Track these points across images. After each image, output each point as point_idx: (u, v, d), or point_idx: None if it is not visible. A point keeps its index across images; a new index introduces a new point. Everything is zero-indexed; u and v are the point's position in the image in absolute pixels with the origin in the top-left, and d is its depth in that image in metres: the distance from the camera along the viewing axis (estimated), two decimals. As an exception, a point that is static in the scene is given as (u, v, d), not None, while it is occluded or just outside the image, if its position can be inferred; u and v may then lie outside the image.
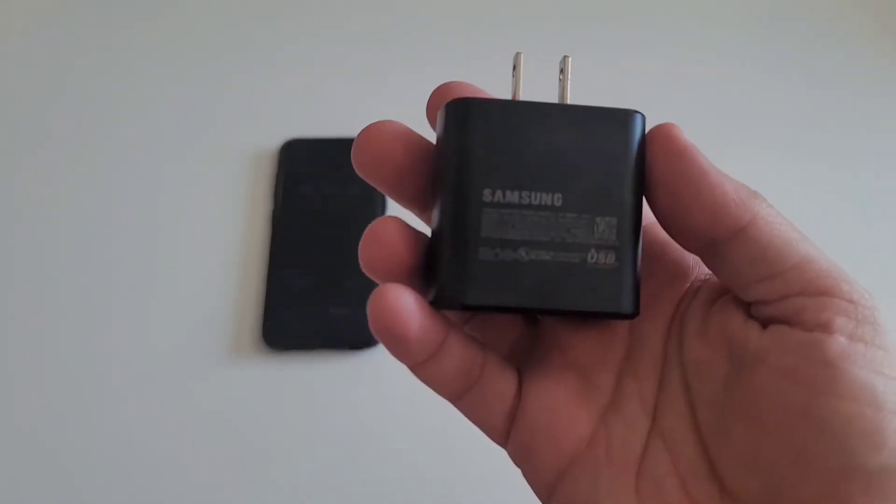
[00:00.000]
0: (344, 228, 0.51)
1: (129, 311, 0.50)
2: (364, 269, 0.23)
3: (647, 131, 0.24)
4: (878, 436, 0.20)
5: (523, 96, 0.25)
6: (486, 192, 0.22)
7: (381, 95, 0.58)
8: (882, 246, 0.52)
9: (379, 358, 0.48)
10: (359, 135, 0.23)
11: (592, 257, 0.22)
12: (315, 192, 0.53)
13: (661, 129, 0.23)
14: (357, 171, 0.24)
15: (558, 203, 0.22)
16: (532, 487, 0.25)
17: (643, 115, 0.24)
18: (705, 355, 0.23)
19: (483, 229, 0.22)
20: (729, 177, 0.23)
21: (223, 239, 0.52)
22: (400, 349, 0.23)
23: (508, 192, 0.22)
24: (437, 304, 0.23)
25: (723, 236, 0.22)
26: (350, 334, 0.48)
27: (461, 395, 0.24)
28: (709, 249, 0.23)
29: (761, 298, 0.22)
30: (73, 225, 0.53)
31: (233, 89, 0.59)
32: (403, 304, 0.22)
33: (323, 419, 0.46)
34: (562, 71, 0.25)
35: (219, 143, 0.56)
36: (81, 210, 0.53)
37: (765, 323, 0.22)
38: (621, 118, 0.23)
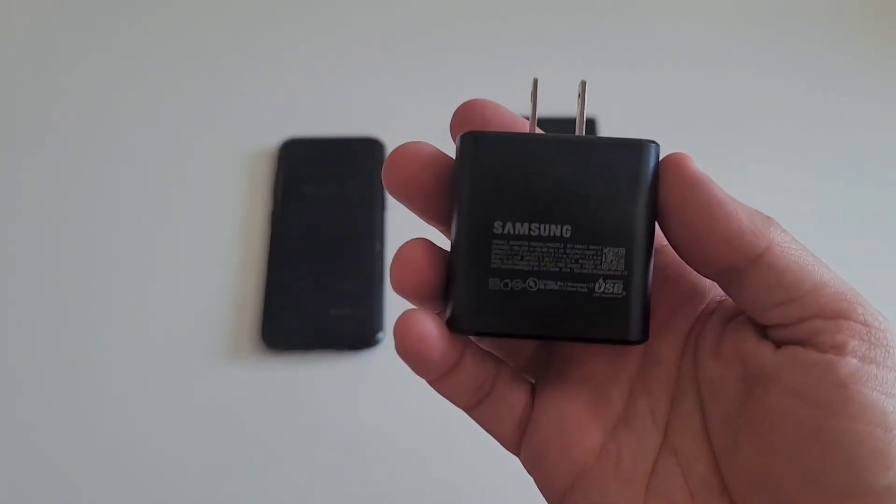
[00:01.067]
0: (343, 228, 0.51)
1: (128, 310, 0.50)
2: (395, 290, 0.24)
3: (659, 159, 0.24)
4: (887, 457, 0.21)
5: (540, 113, 0.26)
6: (497, 223, 0.23)
7: (382, 95, 0.58)
8: (883, 246, 0.52)
9: (378, 358, 0.48)
10: (388, 157, 0.24)
11: (600, 287, 0.23)
12: (314, 192, 0.53)
13: (671, 160, 0.23)
14: (388, 192, 0.25)
15: (567, 234, 0.23)
16: (544, 496, 0.26)
17: (657, 144, 0.24)
18: (719, 374, 0.24)
19: (493, 260, 0.23)
20: (742, 205, 0.23)
21: (223, 238, 0.52)
22: (422, 369, 0.24)
23: (518, 225, 0.23)
24: (451, 327, 0.24)
25: (739, 265, 0.23)
26: (349, 335, 0.48)
27: (475, 405, 0.25)
28: (725, 276, 0.23)
29: (778, 322, 0.23)
30: (73, 224, 0.53)
31: (232, 89, 0.59)
32: (427, 331, 0.23)
33: (322, 419, 0.46)
34: (579, 95, 0.25)
35: (218, 142, 0.56)
36: (81, 209, 0.53)
37: (779, 343, 0.23)
38: (632, 148, 0.24)
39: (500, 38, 0.61)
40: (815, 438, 0.21)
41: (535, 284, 0.23)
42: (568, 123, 0.55)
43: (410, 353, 0.23)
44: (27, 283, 0.51)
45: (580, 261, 0.23)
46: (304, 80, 0.59)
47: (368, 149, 0.55)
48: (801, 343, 0.22)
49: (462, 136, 0.24)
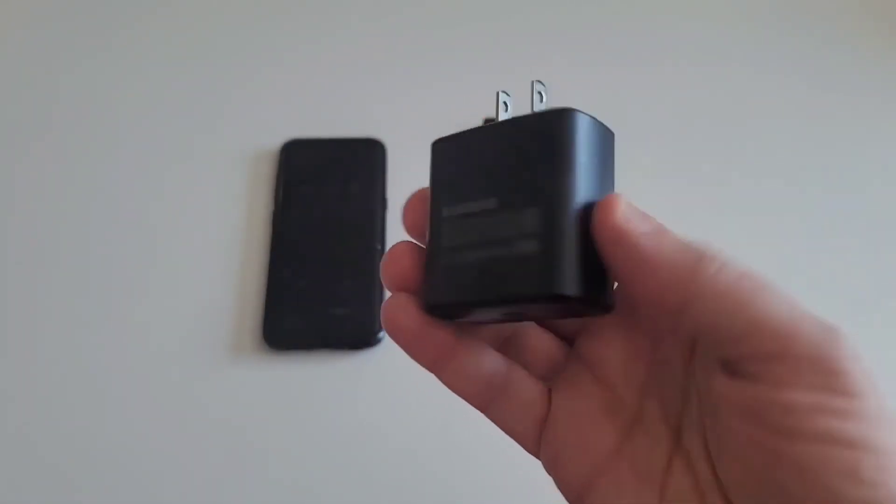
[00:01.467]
0: (344, 229, 0.52)
1: (129, 311, 0.50)
2: (385, 286, 0.27)
3: (577, 123, 0.25)
4: (856, 474, 0.21)
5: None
6: (445, 209, 0.26)
7: (382, 97, 0.58)
8: (882, 245, 0.53)
9: (379, 357, 0.48)
10: (384, 258, 0.27)
11: (518, 247, 0.24)
12: (315, 193, 0.53)
13: (599, 209, 0.24)
14: (387, 288, 0.27)
15: (493, 206, 0.25)
16: (563, 495, 0.26)
17: (573, 111, 0.25)
18: (704, 385, 0.24)
19: (442, 242, 0.26)
20: (666, 249, 0.23)
21: (224, 239, 0.52)
22: (404, 343, 0.26)
23: (456, 206, 0.26)
24: (424, 309, 0.26)
25: (672, 311, 0.23)
26: (350, 334, 0.48)
27: (488, 403, 0.26)
28: (668, 318, 0.24)
29: (720, 358, 0.23)
30: (74, 225, 0.53)
31: (233, 90, 0.59)
32: (398, 302, 0.26)
33: (323, 419, 0.46)
34: (538, 93, 0.27)
35: (219, 143, 0.56)
36: (82, 210, 0.53)
37: (733, 373, 0.23)
38: (546, 118, 0.25)
39: (501, 39, 0.61)
40: (777, 461, 0.22)
41: (470, 255, 0.25)
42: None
43: (386, 322, 0.26)
44: (29, 283, 0.51)
45: (503, 227, 0.25)
46: (305, 82, 0.59)
47: (369, 149, 0.55)
48: (751, 378, 0.22)
49: (432, 144, 0.27)
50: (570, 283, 0.23)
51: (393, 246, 0.27)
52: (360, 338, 0.48)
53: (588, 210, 0.24)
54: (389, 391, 0.47)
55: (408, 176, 0.54)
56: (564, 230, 0.24)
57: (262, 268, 0.51)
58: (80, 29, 0.62)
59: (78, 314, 0.50)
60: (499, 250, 0.24)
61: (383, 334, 0.48)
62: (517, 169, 0.25)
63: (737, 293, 0.22)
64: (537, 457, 0.27)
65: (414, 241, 0.27)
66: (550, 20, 0.62)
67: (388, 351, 0.48)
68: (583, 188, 0.24)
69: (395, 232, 0.52)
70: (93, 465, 0.45)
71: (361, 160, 0.54)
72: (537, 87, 0.27)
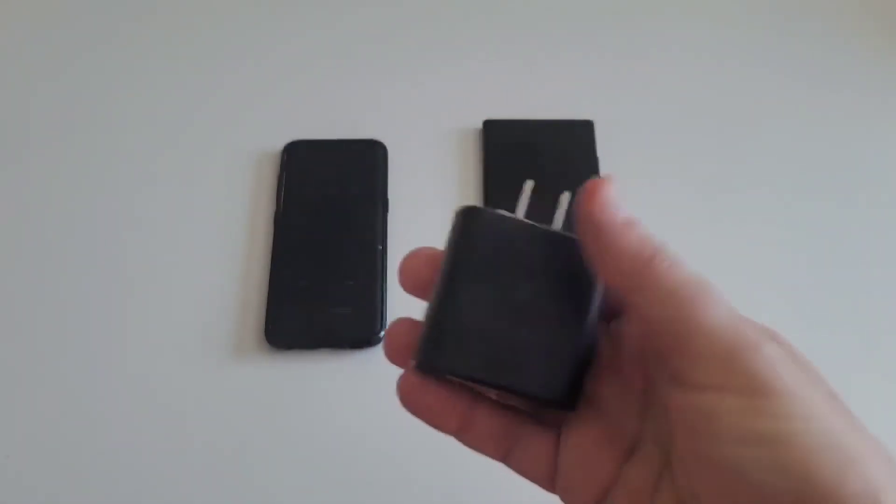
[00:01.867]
0: (345, 229, 0.52)
1: (131, 311, 0.50)
2: (388, 357, 0.30)
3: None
4: (780, 470, 0.22)
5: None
6: (464, 278, 0.27)
7: (384, 98, 0.58)
8: (882, 244, 0.53)
9: (380, 357, 0.48)
10: (402, 261, 0.29)
11: (531, 348, 0.27)
12: (317, 194, 0.53)
13: (583, 194, 0.26)
14: (403, 286, 0.29)
15: (513, 300, 0.27)
16: None
17: None
18: (665, 403, 0.26)
19: (455, 307, 0.27)
20: (629, 241, 0.25)
21: (226, 240, 0.52)
22: (427, 419, 0.29)
23: (477, 281, 0.27)
24: (418, 365, 0.28)
25: (627, 295, 0.26)
26: (351, 333, 0.48)
27: (507, 455, 0.29)
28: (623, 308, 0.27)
29: (665, 363, 0.25)
30: (75, 225, 0.53)
31: (235, 91, 0.59)
32: (414, 381, 0.29)
33: (325, 418, 0.47)
34: (561, 205, 0.29)
35: (221, 144, 0.56)
36: (83, 211, 0.54)
37: (674, 381, 0.25)
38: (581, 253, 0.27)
39: (501, 40, 0.62)
40: (711, 465, 0.23)
41: (482, 333, 0.27)
42: (564, 125, 0.55)
43: (410, 403, 0.29)
44: (32, 283, 0.51)
45: (520, 323, 0.27)
46: (306, 83, 0.59)
47: (370, 150, 0.55)
48: (679, 381, 0.24)
49: (460, 209, 0.28)
50: (571, 398, 0.27)
51: (395, 322, 0.29)
52: (361, 337, 0.48)
53: (593, 333, 0.28)
54: (390, 390, 0.47)
55: (408, 176, 0.55)
56: (577, 355, 0.27)
57: (264, 268, 0.51)
58: (80, 29, 0.62)
59: (81, 313, 0.50)
60: (515, 345, 0.27)
61: (384, 334, 0.48)
62: (550, 283, 0.27)
63: (677, 293, 0.24)
64: (555, 493, 0.28)
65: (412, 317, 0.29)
66: (550, 20, 0.62)
67: (388, 350, 0.48)
68: (595, 317, 0.28)
69: (396, 232, 0.52)
70: (94, 464, 0.45)
71: (363, 161, 0.54)
72: (564, 200, 0.29)
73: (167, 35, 0.62)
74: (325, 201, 0.53)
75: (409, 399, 0.28)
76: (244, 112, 0.58)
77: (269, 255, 0.51)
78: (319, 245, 0.51)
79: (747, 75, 0.59)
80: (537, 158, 0.54)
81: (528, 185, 0.29)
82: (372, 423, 0.46)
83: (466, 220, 0.28)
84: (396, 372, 0.48)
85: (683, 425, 0.24)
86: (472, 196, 0.54)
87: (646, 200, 0.54)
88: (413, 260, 0.29)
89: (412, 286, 0.29)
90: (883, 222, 0.53)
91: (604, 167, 0.54)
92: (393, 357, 0.29)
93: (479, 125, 0.56)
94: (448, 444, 0.46)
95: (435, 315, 0.28)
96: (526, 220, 0.28)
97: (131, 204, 0.54)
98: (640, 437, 0.27)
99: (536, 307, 0.27)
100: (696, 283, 0.24)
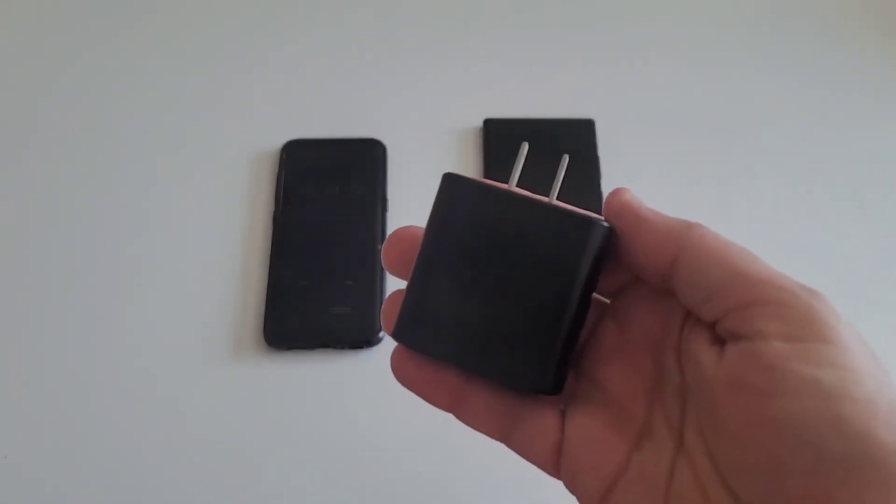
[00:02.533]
0: (344, 228, 0.52)
1: (131, 310, 0.50)
2: (385, 267, 0.29)
3: (605, 240, 0.26)
4: (837, 426, 0.21)
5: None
6: (443, 256, 0.26)
7: (382, 97, 0.58)
8: (882, 244, 0.53)
9: (379, 357, 0.48)
10: (386, 241, 0.28)
11: (512, 333, 0.26)
12: (316, 193, 0.53)
13: (610, 196, 0.27)
14: (387, 271, 0.29)
15: (496, 280, 0.26)
16: None
17: (606, 227, 0.26)
18: (690, 378, 0.25)
19: (434, 285, 0.26)
20: (664, 216, 0.26)
21: (225, 239, 0.52)
22: (417, 391, 0.28)
23: (458, 258, 0.26)
24: (395, 337, 0.27)
25: (663, 269, 0.25)
26: (350, 334, 0.48)
27: (508, 435, 0.28)
28: (665, 282, 0.26)
29: (710, 319, 0.24)
30: (75, 226, 0.53)
31: (234, 90, 0.59)
32: (405, 353, 0.28)
33: (324, 418, 0.47)
34: (561, 168, 0.28)
35: (220, 144, 0.56)
36: (82, 211, 0.54)
37: (719, 339, 0.24)
38: (582, 226, 0.26)
39: (500, 40, 0.61)
40: (762, 425, 0.22)
41: (459, 315, 0.26)
42: (563, 124, 0.55)
43: (400, 374, 0.28)
44: (31, 283, 0.51)
45: (502, 307, 0.26)
46: (305, 82, 0.59)
47: (369, 150, 0.55)
48: (730, 336, 0.24)
49: (445, 175, 0.27)
50: (554, 383, 0.26)
51: (396, 230, 0.28)
52: (361, 337, 0.48)
53: (578, 314, 0.26)
54: (389, 390, 0.47)
55: (408, 176, 0.55)
56: (559, 337, 0.26)
57: (263, 267, 0.51)
58: (80, 29, 0.62)
59: (79, 313, 0.50)
60: (491, 327, 0.26)
61: (383, 334, 0.48)
62: (531, 259, 0.26)
63: (720, 250, 0.24)
64: (559, 479, 0.28)
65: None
66: (550, 20, 0.62)
67: (388, 350, 0.48)
68: (580, 296, 0.26)
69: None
70: (93, 463, 0.45)
71: (362, 160, 0.54)
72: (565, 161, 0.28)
73: (167, 35, 0.62)
74: (325, 201, 0.53)
75: (400, 371, 0.28)
76: (243, 111, 0.58)
77: (268, 255, 0.51)
78: (319, 245, 0.51)
79: (747, 75, 0.59)
80: (537, 157, 0.54)
81: (524, 148, 0.28)
82: (371, 423, 0.46)
83: (446, 189, 0.27)
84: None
85: (732, 386, 0.23)
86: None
87: (646, 199, 0.54)
88: (396, 239, 0.28)
89: (394, 266, 0.28)
90: (883, 222, 0.53)
91: (604, 166, 0.54)
92: (392, 268, 0.28)
93: (480, 124, 0.56)
94: (448, 445, 0.46)
95: (411, 291, 0.27)
96: (511, 190, 0.27)
97: (130, 204, 0.54)
98: (650, 423, 0.27)
99: (515, 286, 0.26)
100: (736, 245, 0.24)
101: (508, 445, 0.28)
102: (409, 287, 0.27)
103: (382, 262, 0.29)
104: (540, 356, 0.26)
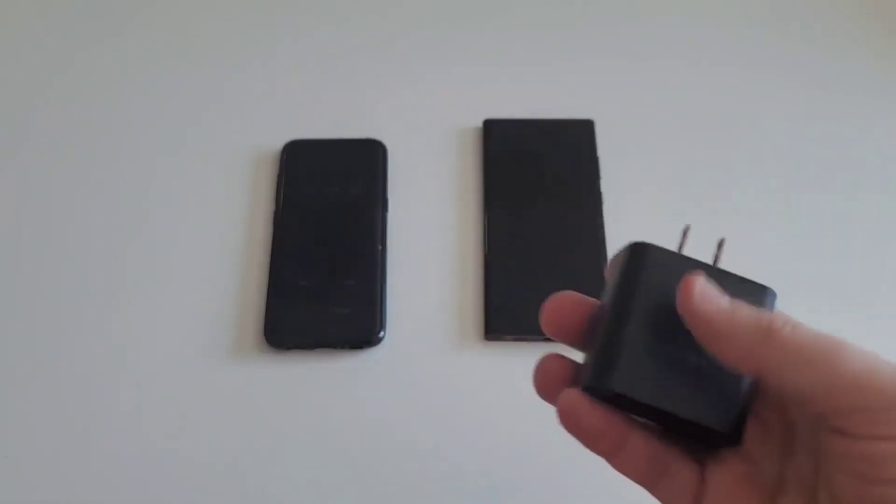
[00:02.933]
0: (345, 229, 0.52)
1: (132, 310, 0.50)
2: (545, 331, 0.30)
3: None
4: None
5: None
6: (641, 307, 0.28)
7: (383, 97, 0.58)
8: (881, 244, 0.53)
9: (379, 357, 0.48)
10: (546, 304, 0.30)
11: (707, 382, 0.28)
12: (316, 193, 0.53)
13: (679, 293, 0.27)
14: (546, 332, 0.30)
15: (694, 363, 0.28)
16: None
17: (774, 293, 0.29)
18: (818, 445, 0.26)
19: (632, 332, 0.28)
20: (739, 321, 0.26)
21: (225, 239, 0.52)
22: (585, 439, 0.28)
23: (655, 317, 0.28)
24: (587, 387, 0.28)
25: (753, 377, 0.27)
26: (351, 334, 0.48)
27: (654, 484, 0.29)
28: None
29: (811, 414, 0.26)
30: (75, 226, 0.53)
31: (234, 91, 0.59)
32: (576, 400, 0.28)
33: (324, 418, 0.47)
34: (719, 247, 0.31)
35: (220, 144, 0.56)
36: (83, 211, 0.54)
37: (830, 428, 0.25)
38: (758, 293, 0.29)
39: (500, 40, 0.61)
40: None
41: (659, 361, 0.28)
42: (565, 124, 0.56)
43: (570, 422, 0.28)
44: (32, 283, 0.51)
45: (701, 355, 0.28)
46: (305, 83, 0.59)
47: (370, 150, 0.55)
48: (840, 432, 0.24)
49: (632, 244, 0.30)
50: (737, 435, 0.28)
51: (545, 357, 0.30)
52: (361, 337, 0.48)
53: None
54: (390, 390, 0.47)
55: (408, 176, 0.55)
56: (743, 389, 0.28)
57: (264, 268, 0.51)
58: (79, 29, 0.62)
59: (82, 313, 0.50)
60: (683, 371, 0.28)
61: (384, 334, 0.48)
62: None
63: (809, 351, 0.25)
64: None
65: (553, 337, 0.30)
66: (550, 20, 0.62)
67: (388, 350, 0.48)
68: None
69: (395, 232, 0.52)
70: (93, 463, 0.45)
71: (362, 161, 0.54)
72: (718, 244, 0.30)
73: (167, 35, 0.62)
74: (325, 201, 0.53)
75: (569, 417, 0.28)
76: (243, 111, 0.58)
77: (269, 255, 0.51)
78: (319, 245, 0.51)
79: (747, 75, 0.59)
80: (538, 158, 0.54)
81: (688, 229, 0.31)
82: (371, 423, 0.46)
83: (636, 253, 0.29)
84: (396, 373, 0.48)
85: (848, 471, 0.24)
86: (471, 196, 0.54)
87: (646, 200, 0.55)
88: (557, 303, 0.30)
89: (555, 329, 0.30)
90: (883, 222, 0.53)
91: (604, 167, 0.54)
92: (544, 391, 0.30)
93: (479, 125, 0.56)
94: (448, 444, 0.46)
95: (608, 340, 0.28)
96: (690, 257, 0.30)
97: (130, 204, 0.54)
98: (783, 480, 0.27)
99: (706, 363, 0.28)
100: (824, 337, 0.25)
101: (653, 493, 0.29)
102: (604, 339, 0.29)
103: (542, 325, 0.30)
104: (729, 406, 0.28)
